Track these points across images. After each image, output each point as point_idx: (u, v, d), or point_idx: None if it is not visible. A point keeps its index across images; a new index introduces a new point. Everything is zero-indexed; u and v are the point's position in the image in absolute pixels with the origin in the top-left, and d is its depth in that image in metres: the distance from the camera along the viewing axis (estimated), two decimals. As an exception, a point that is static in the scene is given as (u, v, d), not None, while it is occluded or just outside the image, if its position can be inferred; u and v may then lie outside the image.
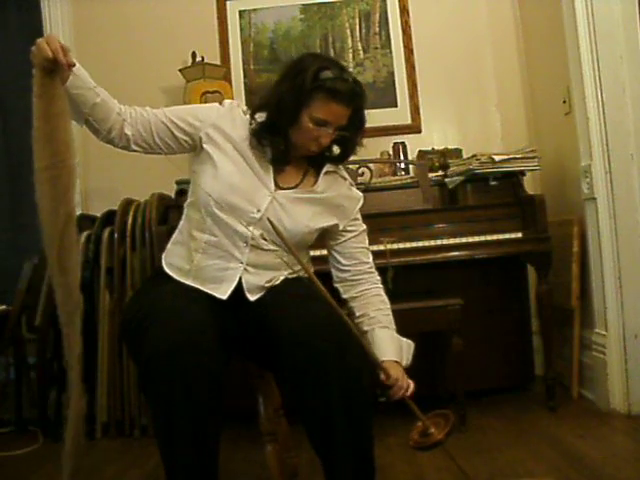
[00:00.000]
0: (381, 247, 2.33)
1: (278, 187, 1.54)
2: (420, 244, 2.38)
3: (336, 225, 1.60)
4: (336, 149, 1.60)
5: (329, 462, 1.39)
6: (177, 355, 1.28)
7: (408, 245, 2.37)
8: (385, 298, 1.64)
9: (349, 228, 1.63)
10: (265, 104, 1.53)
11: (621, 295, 2.34)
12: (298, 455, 1.72)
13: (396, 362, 1.51)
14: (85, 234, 2.65)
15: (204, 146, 1.53)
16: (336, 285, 1.65)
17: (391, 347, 1.54)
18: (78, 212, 2.95)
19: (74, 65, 1.36)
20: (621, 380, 2.32)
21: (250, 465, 2.02)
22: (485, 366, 2.60)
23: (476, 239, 2.39)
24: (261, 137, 1.52)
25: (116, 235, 2.58)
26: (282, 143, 1.51)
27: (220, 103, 1.60)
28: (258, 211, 1.49)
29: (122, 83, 3.03)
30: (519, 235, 2.41)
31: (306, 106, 1.45)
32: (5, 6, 3.10)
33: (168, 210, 2.62)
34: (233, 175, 1.51)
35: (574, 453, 1.97)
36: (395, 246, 2.35)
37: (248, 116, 1.56)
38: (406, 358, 1.56)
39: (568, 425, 2.24)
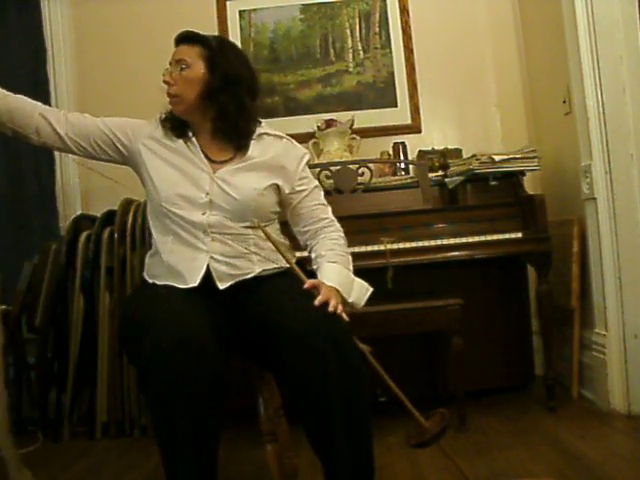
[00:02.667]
0: (381, 247, 2.33)
1: (214, 163, 1.59)
2: (420, 244, 2.38)
3: (281, 186, 1.62)
4: (227, 117, 1.60)
5: (328, 462, 1.39)
6: (176, 355, 1.28)
7: (408, 245, 2.37)
8: (342, 242, 1.65)
9: (298, 188, 1.65)
10: None
11: (621, 295, 2.34)
12: (298, 455, 1.72)
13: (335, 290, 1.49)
14: (85, 234, 2.65)
15: (142, 156, 1.60)
16: (303, 244, 1.70)
17: (333, 276, 1.54)
18: (78, 212, 2.96)
19: None
20: (621, 380, 2.32)
21: (250, 465, 2.02)
22: (485, 366, 2.60)
23: (476, 239, 2.39)
24: (165, 122, 1.62)
25: (116, 235, 2.58)
26: (172, 115, 1.61)
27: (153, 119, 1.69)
28: (207, 194, 1.54)
29: (122, 83, 3.04)
30: (519, 235, 2.41)
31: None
32: (5, 6, 3.09)
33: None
34: (173, 174, 1.57)
35: (574, 453, 1.96)
36: (395, 246, 2.35)
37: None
38: (355, 297, 1.56)
39: (568, 425, 2.24)
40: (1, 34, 3.09)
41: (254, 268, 1.56)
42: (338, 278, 1.55)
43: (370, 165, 2.62)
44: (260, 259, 1.57)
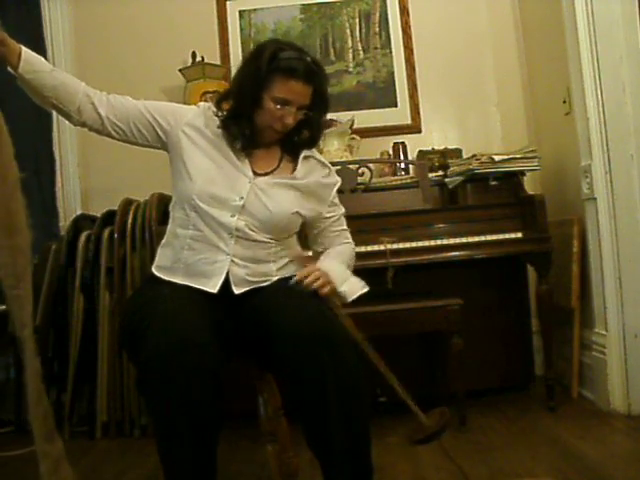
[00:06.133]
0: (381, 247, 2.33)
1: (256, 174, 1.57)
2: (420, 244, 2.38)
3: (317, 211, 1.64)
4: (305, 133, 1.62)
5: (327, 462, 1.39)
6: (176, 355, 1.28)
7: (408, 245, 2.37)
8: (349, 251, 1.71)
9: (327, 215, 1.67)
10: (228, 92, 1.58)
11: (621, 295, 2.34)
12: (298, 455, 1.72)
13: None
14: (85, 234, 2.65)
15: (182, 144, 1.56)
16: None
17: (329, 264, 1.57)
18: (78, 212, 2.96)
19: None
20: (621, 380, 2.32)
21: (250, 465, 2.02)
22: (485, 366, 2.60)
23: (476, 239, 2.39)
24: (228, 125, 1.55)
25: (116, 235, 2.58)
26: (247, 127, 1.54)
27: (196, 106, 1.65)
28: (241, 198, 1.52)
29: (122, 83, 3.03)
30: (519, 235, 2.40)
31: (266, 88, 1.49)
32: (5, 6, 3.10)
33: (168, 210, 2.61)
34: (211, 169, 1.54)
35: (574, 453, 1.96)
36: (395, 246, 2.35)
37: (219, 115, 1.60)
38: (347, 288, 1.57)
39: (568, 425, 2.24)
40: (1, 34, 3.09)
41: (272, 277, 1.56)
42: (333, 267, 1.57)
43: (370, 165, 2.62)
44: (280, 267, 1.58)
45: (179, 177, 1.58)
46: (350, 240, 1.75)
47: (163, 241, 1.64)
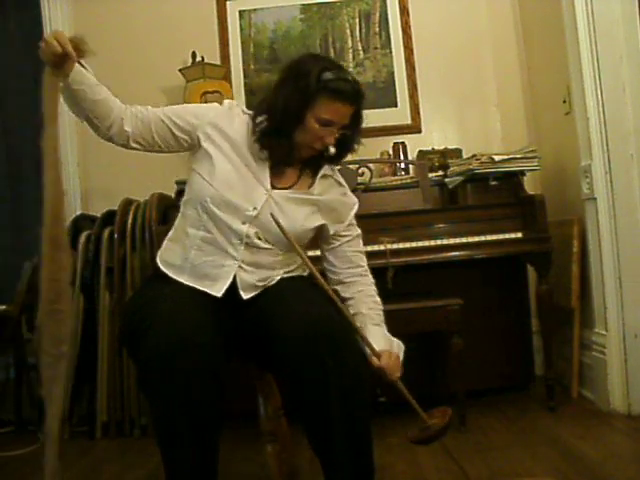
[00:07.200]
0: (381, 247, 2.33)
1: (274, 186, 1.55)
2: (420, 244, 2.38)
3: (327, 227, 1.61)
4: (332, 148, 1.59)
5: (328, 463, 1.39)
6: (177, 355, 1.28)
7: (408, 245, 2.37)
8: (378, 299, 1.65)
9: (344, 233, 1.65)
10: (267, 107, 1.54)
11: (621, 295, 2.34)
12: (298, 455, 1.72)
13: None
14: (85, 234, 2.65)
15: (202, 144, 1.54)
16: (334, 287, 1.64)
17: (382, 341, 1.54)
18: (78, 212, 2.96)
19: (83, 56, 1.40)
20: (621, 380, 2.32)
21: (250, 465, 2.02)
22: (485, 366, 2.60)
23: (476, 239, 2.39)
24: (265, 141, 1.52)
25: (116, 235, 2.58)
26: (287, 144, 1.52)
27: (220, 103, 1.62)
28: (254, 209, 1.50)
29: (122, 83, 3.02)
30: (519, 235, 2.41)
31: (311, 108, 1.47)
32: (5, 6, 3.10)
33: (168, 210, 2.62)
34: (230, 173, 1.52)
35: (574, 453, 1.96)
36: (395, 246, 2.35)
37: (247, 115, 1.58)
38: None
39: (568, 425, 2.24)
40: (1, 34, 3.10)
41: (274, 277, 1.55)
42: (386, 342, 1.54)
43: (370, 165, 2.62)
44: (286, 272, 1.57)
45: (196, 175, 1.55)
46: (368, 270, 1.67)
47: (171, 234, 1.62)
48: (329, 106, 1.47)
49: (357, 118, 1.55)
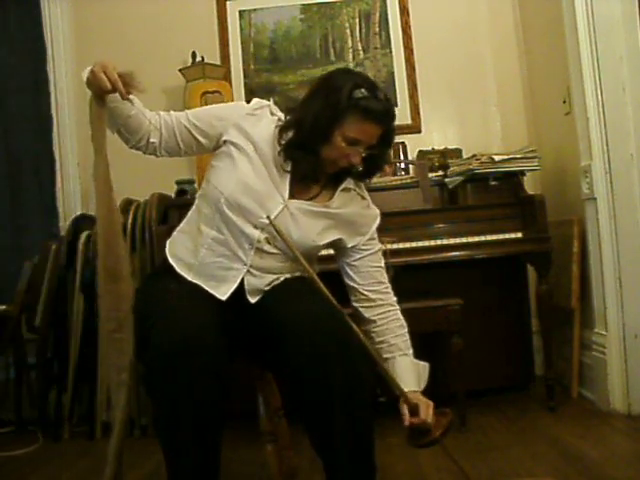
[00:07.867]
0: (381, 247, 2.33)
1: (292, 196, 1.52)
2: (420, 244, 2.38)
3: (344, 241, 1.57)
4: (359, 167, 1.55)
5: (329, 461, 1.39)
6: (181, 355, 1.28)
7: (408, 245, 2.38)
8: (403, 322, 1.61)
9: (364, 247, 1.59)
10: (295, 120, 1.50)
11: (621, 295, 2.34)
12: (298, 455, 1.72)
13: (418, 392, 1.52)
14: (85, 234, 2.66)
15: (225, 145, 1.53)
16: (354, 305, 1.61)
17: (412, 376, 1.54)
18: (78, 212, 2.96)
19: (131, 93, 1.39)
20: (621, 380, 2.32)
21: (250, 465, 2.02)
22: (485, 366, 2.60)
23: (476, 239, 2.39)
24: (290, 153, 1.49)
25: (116, 235, 2.58)
26: (313, 160, 1.48)
27: (247, 102, 1.59)
28: (268, 217, 1.47)
29: (122, 83, 3.04)
30: (519, 235, 2.41)
31: (339, 125, 1.43)
32: (5, 6, 3.10)
33: (168, 210, 2.62)
34: (248, 176, 1.49)
35: (574, 453, 1.97)
36: (395, 246, 2.35)
37: (276, 117, 1.55)
38: (424, 381, 1.57)
39: (568, 425, 2.24)
40: (1, 34, 3.10)
41: (280, 279, 1.54)
42: (415, 376, 1.55)
43: (370, 165, 2.61)
44: (288, 272, 1.55)
45: (215, 172, 1.54)
46: (389, 287, 1.63)
47: (184, 226, 1.61)
48: (358, 125, 1.43)
49: (386, 138, 1.51)
